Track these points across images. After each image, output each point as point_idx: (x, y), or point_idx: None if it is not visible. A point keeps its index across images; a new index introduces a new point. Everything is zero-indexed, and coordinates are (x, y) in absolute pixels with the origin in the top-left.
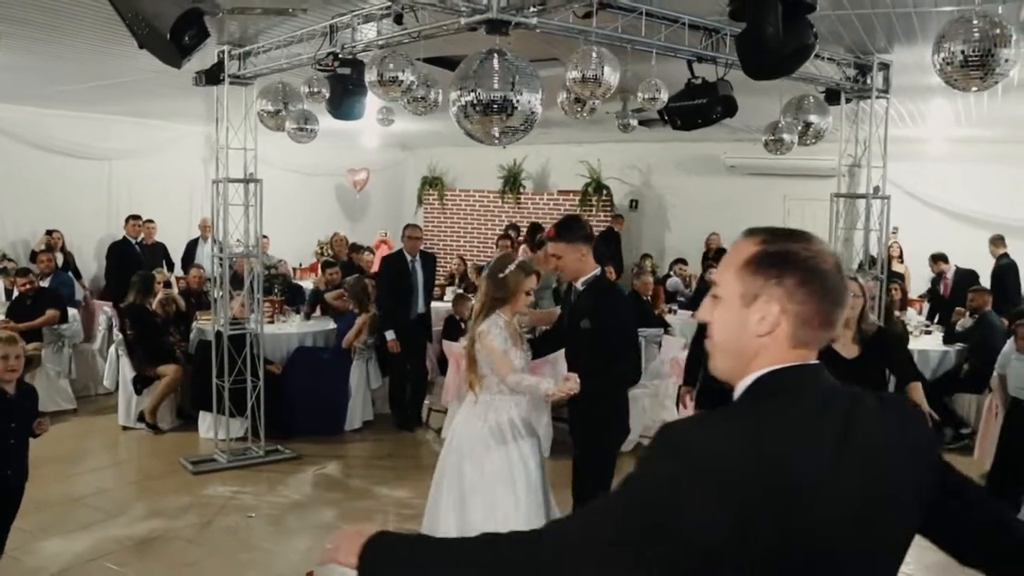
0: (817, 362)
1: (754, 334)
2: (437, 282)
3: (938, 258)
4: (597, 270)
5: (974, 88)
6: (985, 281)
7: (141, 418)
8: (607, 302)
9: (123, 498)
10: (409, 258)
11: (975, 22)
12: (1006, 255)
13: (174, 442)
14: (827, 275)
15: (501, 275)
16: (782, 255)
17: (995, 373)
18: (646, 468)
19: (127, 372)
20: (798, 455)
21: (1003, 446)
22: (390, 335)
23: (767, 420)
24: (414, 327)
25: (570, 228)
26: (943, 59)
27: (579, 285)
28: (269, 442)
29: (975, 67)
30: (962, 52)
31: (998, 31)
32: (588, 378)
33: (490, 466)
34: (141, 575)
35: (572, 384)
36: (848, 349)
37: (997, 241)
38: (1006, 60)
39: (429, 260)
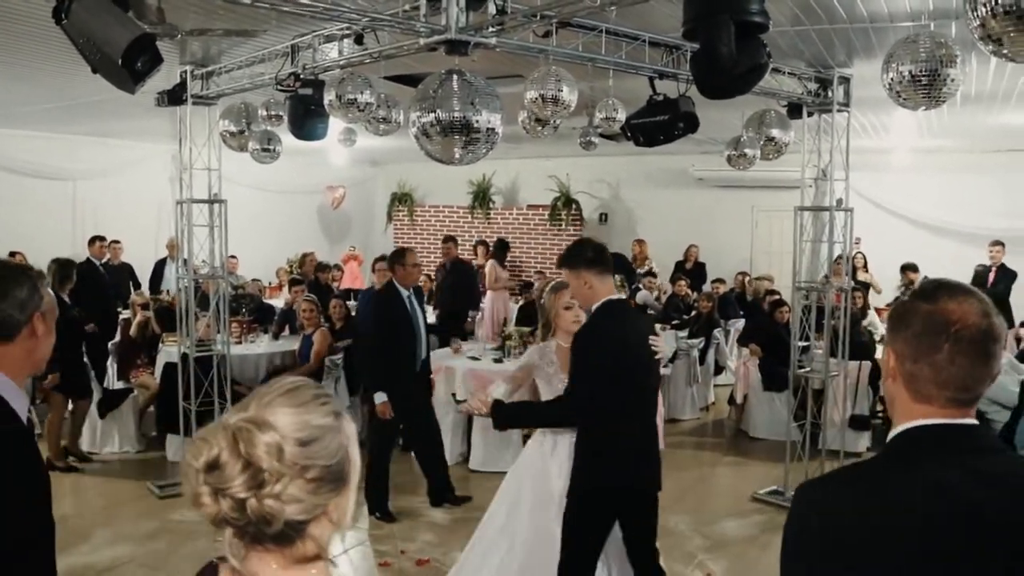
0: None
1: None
2: None
3: (907, 268)
4: (610, 297)
5: (922, 107)
6: None
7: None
8: (586, 330)
9: (86, 525)
10: (405, 294)
11: (922, 42)
12: (1003, 265)
13: (141, 466)
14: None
15: (542, 302)
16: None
17: None
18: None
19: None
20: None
21: None
22: (381, 397)
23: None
24: (418, 381)
25: (568, 255)
26: (891, 78)
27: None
28: None
29: (923, 86)
30: (909, 72)
31: (944, 51)
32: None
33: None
34: None
35: (476, 403)
36: None
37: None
38: (952, 79)
39: (420, 295)
